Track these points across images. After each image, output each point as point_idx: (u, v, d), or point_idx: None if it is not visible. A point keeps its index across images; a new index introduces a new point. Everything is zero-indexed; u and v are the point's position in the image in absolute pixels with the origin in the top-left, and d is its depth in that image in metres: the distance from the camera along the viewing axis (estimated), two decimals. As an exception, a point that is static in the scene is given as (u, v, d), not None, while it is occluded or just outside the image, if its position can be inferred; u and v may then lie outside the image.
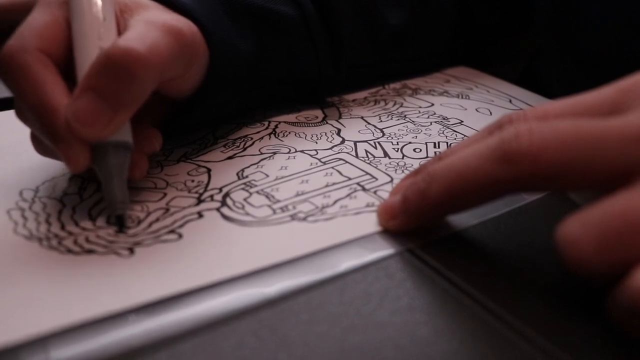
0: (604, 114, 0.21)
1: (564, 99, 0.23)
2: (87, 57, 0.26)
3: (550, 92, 0.41)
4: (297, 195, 0.28)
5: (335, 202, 0.28)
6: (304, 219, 0.26)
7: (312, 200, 0.28)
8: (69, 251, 0.24)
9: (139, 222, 0.26)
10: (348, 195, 0.28)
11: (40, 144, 0.29)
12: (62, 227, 0.26)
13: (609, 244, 0.18)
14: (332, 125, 0.37)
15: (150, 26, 0.26)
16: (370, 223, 0.26)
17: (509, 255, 0.24)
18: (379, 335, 0.20)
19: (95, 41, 0.26)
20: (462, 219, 0.26)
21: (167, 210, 0.27)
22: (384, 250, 0.24)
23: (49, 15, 0.27)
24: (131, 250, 0.24)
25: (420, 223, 0.25)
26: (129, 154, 0.26)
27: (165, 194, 0.29)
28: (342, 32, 0.38)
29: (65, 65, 0.27)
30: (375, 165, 0.31)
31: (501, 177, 0.21)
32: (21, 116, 0.27)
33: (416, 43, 0.45)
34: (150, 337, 0.20)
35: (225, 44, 0.31)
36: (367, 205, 0.27)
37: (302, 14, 0.37)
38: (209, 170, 0.31)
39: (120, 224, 0.26)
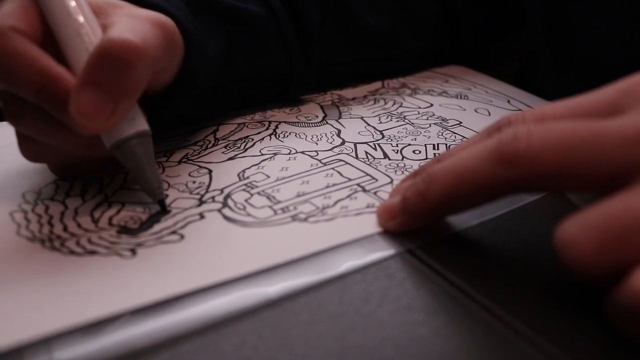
0: (603, 115, 0.21)
1: (562, 101, 0.23)
2: (78, 55, 0.26)
3: (544, 95, 0.41)
4: (298, 196, 0.29)
5: (336, 202, 0.28)
6: (305, 219, 0.27)
7: (313, 201, 0.28)
8: (72, 252, 0.25)
9: (141, 223, 0.27)
10: (348, 196, 0.28)
11: (31, 148, 0.29)
12: (65, 229, 0.26)
13: (608, 246, 0.18)
14: (332, 125, 0.37)
15: (136, 20, 0.27)
16: (370, 224, 0.26)
17: (508, 256, 0.24)
18: (379, 335, 0.20)
19: (83, 36, 0.26)
20: (462, 220, 0.26)
21: (169, 211, 0.27)
22: (384, 250, 0.24)
23: (17, 4, 0.26)
24: (133, 252, 0.25)
25: (420, 224, 0.25)
26: (151, 141, 0.27)
27: (167, 195, 0.29)
28: (311, 28, 0.39)
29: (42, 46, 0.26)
30: (375, 167, 0.31)
31: (500, 178, 0.21)
32: (13, 114, 0.27)
33: (395, 44, 0.45)
34: (152, 337, 0.20)
35: (195, 39, 0.32)
36: (368, 206, 0.28)
37: (271, 12, 0.37)
38: (210, 172, 0.31)
39: (162, 207, 0.27)
